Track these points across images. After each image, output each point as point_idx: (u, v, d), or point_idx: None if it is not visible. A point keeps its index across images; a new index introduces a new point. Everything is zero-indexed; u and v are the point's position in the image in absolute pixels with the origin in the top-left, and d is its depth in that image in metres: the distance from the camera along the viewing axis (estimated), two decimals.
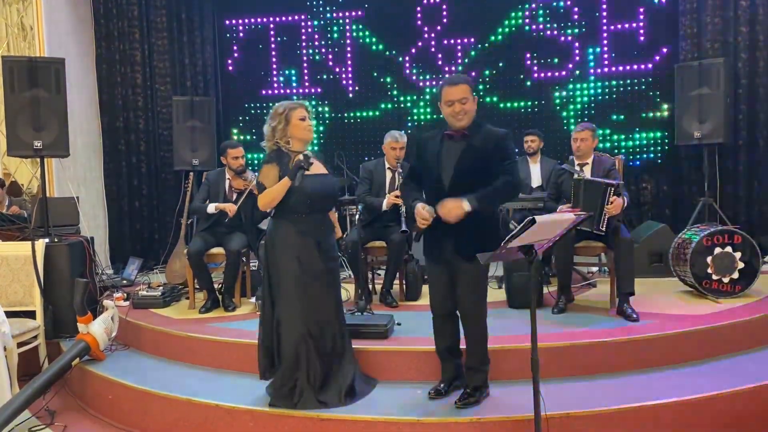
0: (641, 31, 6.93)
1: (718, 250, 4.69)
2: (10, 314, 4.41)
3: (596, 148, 4.93)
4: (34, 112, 5.09)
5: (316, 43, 7.63)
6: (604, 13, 7.02)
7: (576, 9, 7.09)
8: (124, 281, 6.31)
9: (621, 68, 7.00)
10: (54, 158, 5.81)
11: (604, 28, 7.03)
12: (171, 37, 7.42)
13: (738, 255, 4.67)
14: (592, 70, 7.07)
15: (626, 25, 6.96)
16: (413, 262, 5.11)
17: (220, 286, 5.23)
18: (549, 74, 7.19)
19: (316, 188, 3.52)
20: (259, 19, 7.65)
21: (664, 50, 6.87)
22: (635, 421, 3.24)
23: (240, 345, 4.13)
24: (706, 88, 6.12)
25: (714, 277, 4.70)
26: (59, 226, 5.41)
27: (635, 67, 6.97)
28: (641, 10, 6.92)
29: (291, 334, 3.48)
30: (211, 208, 5.15)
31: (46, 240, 4.98)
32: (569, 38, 7.13)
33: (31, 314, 4.69)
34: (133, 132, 7.39)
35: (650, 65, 6.93)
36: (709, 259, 4.69)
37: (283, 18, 7.63)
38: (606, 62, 7.03)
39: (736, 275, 4.68)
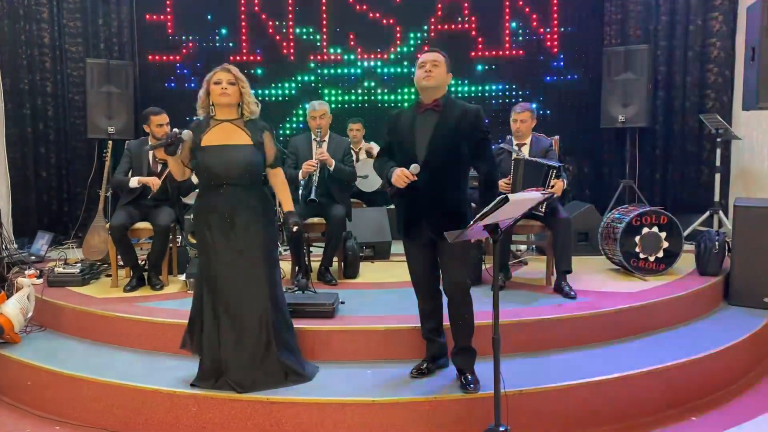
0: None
1: (645, 230, 4.88)
2: None
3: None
4: None
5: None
6: None
7: None
8: (33, 257, 5.83)
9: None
10: None
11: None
12: None
13: (664, 235, 4.89)
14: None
15: None
16: (352, 239, 5.01)
17: (143, 263, 4.93)
18: None
19: (215, 161, 3.32)
20: None
21: None
22: (585, 396, 3.34)
23: (174, 326, 3.89)
24: (630, 73, 6.37)
25: (641, 255, 4.90)
26: None
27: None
28: None
29: (209, 316, 3.39)
30: (134, 182, 4.81)
31: None
32: None
33: None
34: (39, 95, 6.78)
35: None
36: (637, 238, 4.88)
37: None
38: None
39: (661, 254, 4.90)
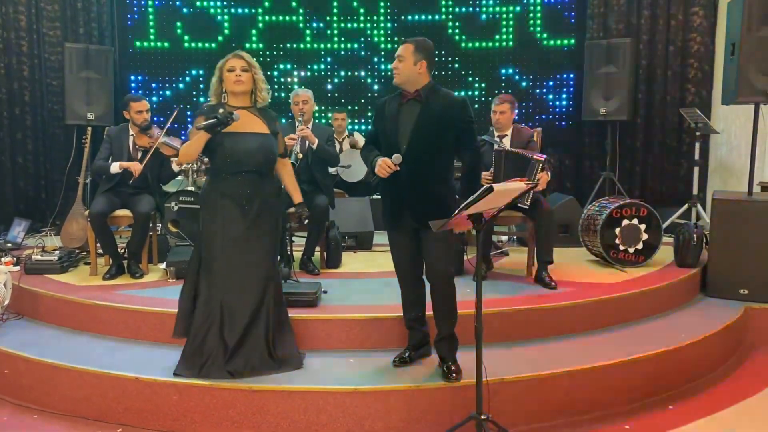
0: None
1: (625, 222, 4.93)
2: None
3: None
4: None
5: None
6: None
7: None
8: (9, 244, 5.74)
9: None
10: None
11: None
12: None
13: (643, 227, 4.94)
14: None
15: None
16: (334, 229, 5.00)
17: (123, 250, 4.88)
18: None
19: (240, 148, 3.30)
20: None
21: None
22: (565, 384, 3.38)
23: (154, 314, 3.87)
24: (612, 67, 6.42)
25: (621, 247, 4.94)
26: None
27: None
28: None
29: (204, 303, 3.36)
30: (115, 167, 4.75)
31: None
32: None
33: None
34: (16, 80, 6.64)
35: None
36: (617, 230, 4.92)
37: None
38: None
39: (640, 246, 4.95)
